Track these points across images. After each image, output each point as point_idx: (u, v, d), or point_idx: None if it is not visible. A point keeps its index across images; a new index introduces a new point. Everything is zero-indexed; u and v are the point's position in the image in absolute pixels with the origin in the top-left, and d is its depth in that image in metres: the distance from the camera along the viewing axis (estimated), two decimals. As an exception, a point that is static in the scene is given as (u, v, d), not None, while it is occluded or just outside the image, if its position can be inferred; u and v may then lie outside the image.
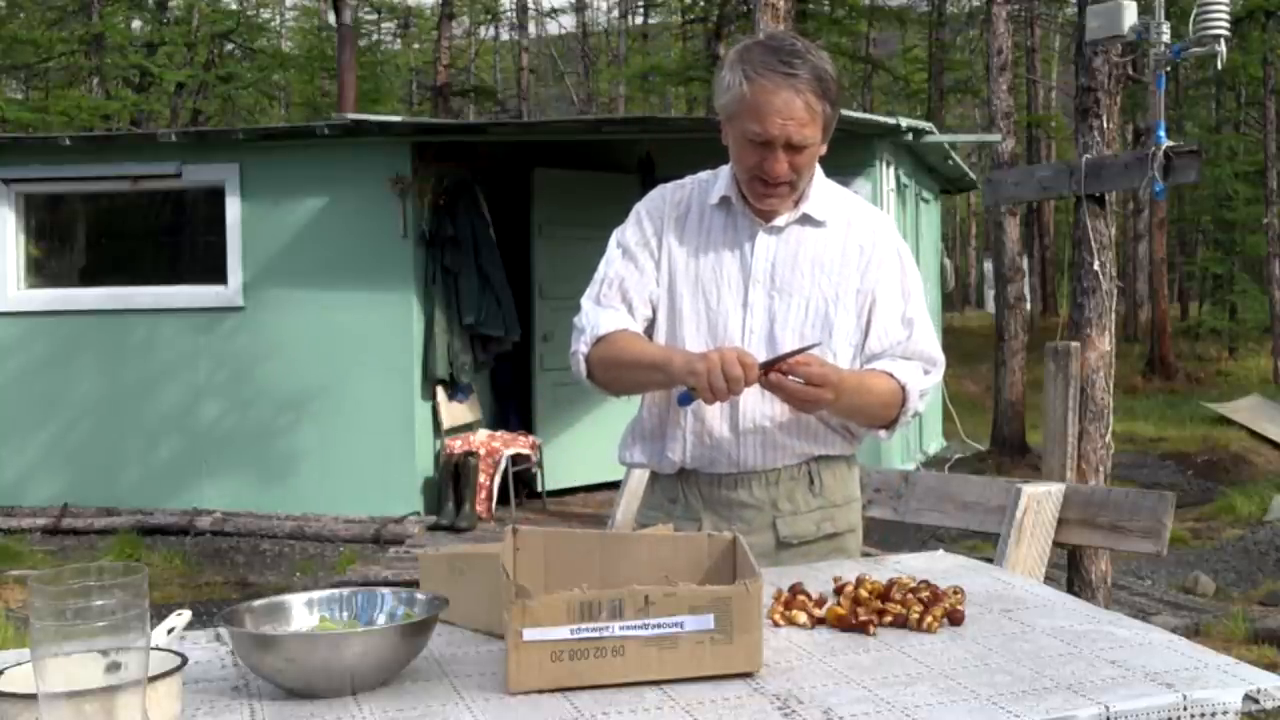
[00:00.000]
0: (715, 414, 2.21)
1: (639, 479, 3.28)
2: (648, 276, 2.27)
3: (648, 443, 2.30)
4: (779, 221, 2.23)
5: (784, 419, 2.21)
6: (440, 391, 8.90)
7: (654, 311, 2.27)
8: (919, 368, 2.25)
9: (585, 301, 2.28)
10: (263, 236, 8.96)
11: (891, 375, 2.21)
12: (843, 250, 2.24)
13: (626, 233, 2.31)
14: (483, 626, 1.78)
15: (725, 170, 2.28)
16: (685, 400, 2.14)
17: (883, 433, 2.29)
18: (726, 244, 2.25)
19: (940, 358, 2.29)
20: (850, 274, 2.23)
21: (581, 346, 2.25)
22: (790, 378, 2.05)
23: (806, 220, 2.24)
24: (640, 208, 2.32)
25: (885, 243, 2.26)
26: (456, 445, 8.70)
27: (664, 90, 30.31)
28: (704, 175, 2.32)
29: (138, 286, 9.29)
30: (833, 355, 2.21)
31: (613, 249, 2.31)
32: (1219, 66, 5.72)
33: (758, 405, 2.19)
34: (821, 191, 2.26)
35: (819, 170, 2.27)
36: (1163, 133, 5.16)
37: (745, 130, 2.13)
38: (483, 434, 8.99)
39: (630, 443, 2.34)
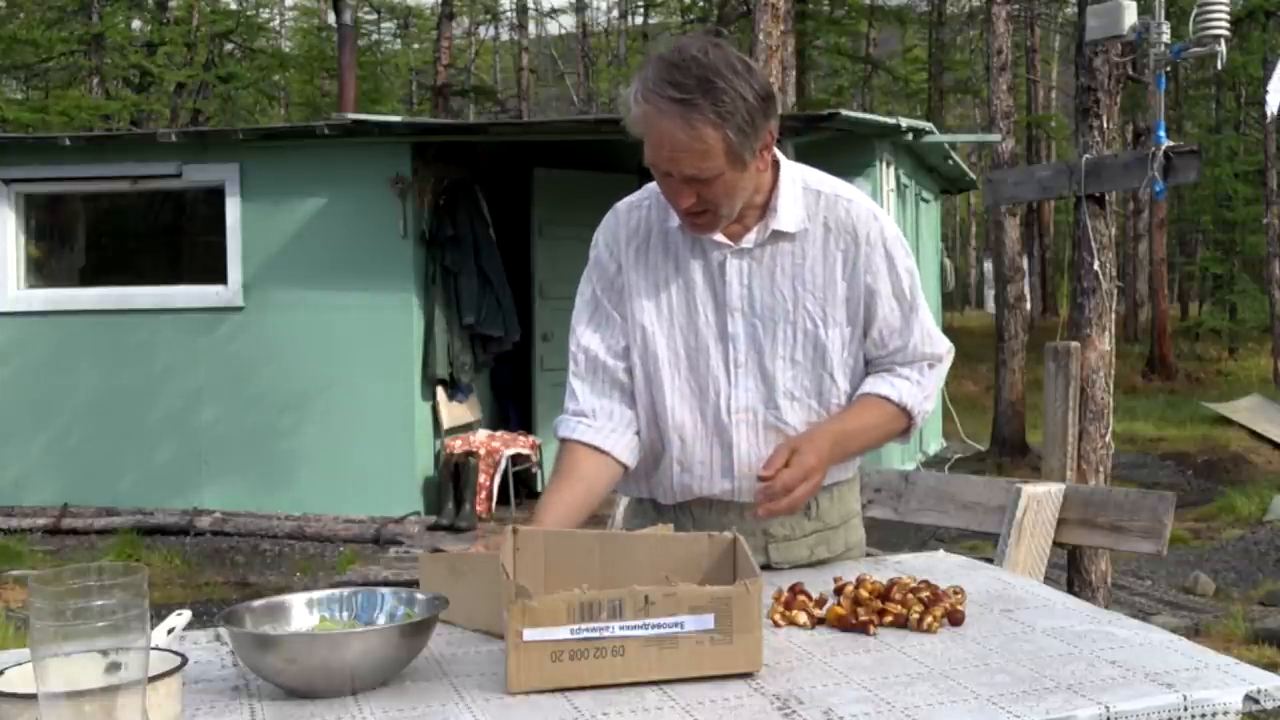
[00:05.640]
0: (705, 463, 2.09)
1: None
2: (617, 329, 2.09)
3: (640, 481, 2.18)
4: (747, 243, 2.03)
5: None
6: (440, 391, 8.90)
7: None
8: (920, 369, 2.12)
9: (569, 375, 2.12)
10: (263, 236, 8.96)
11: (887, 399, 2.09)
12: (823, 260, 2.04)
13: (591, 279, 2.12)
14: (483, 626, 1.78)
15: None
16: None
17: (896, 443, 2.21)
18: (696, 271, 2.05)
19: (943, 349, 2.16)
20: (835, 284, 2.05)
21: (559, 430, 2.10)
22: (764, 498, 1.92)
23: (779, 236, 2.03)
24: (598, 241, 2.13)
25: (870, 241, 2.05)
26: (456, 445, 8.70)
27: (664, 90, 30.27)
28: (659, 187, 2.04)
29: (138, 287, 9.29)
30: (830, 380, 2.07)
31: (579, 307, 2.13)
32: (1219, 66, 5.72)
33: (753, 449, 2.07)
34: (789, 198, 2.03)
35: (787, 168, 2.05)
36: (1163, 133, 5.16)
37: (646, 156, 1.93)
38: (483, 434, 9.00)
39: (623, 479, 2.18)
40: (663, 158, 1.89)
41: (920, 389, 2.12)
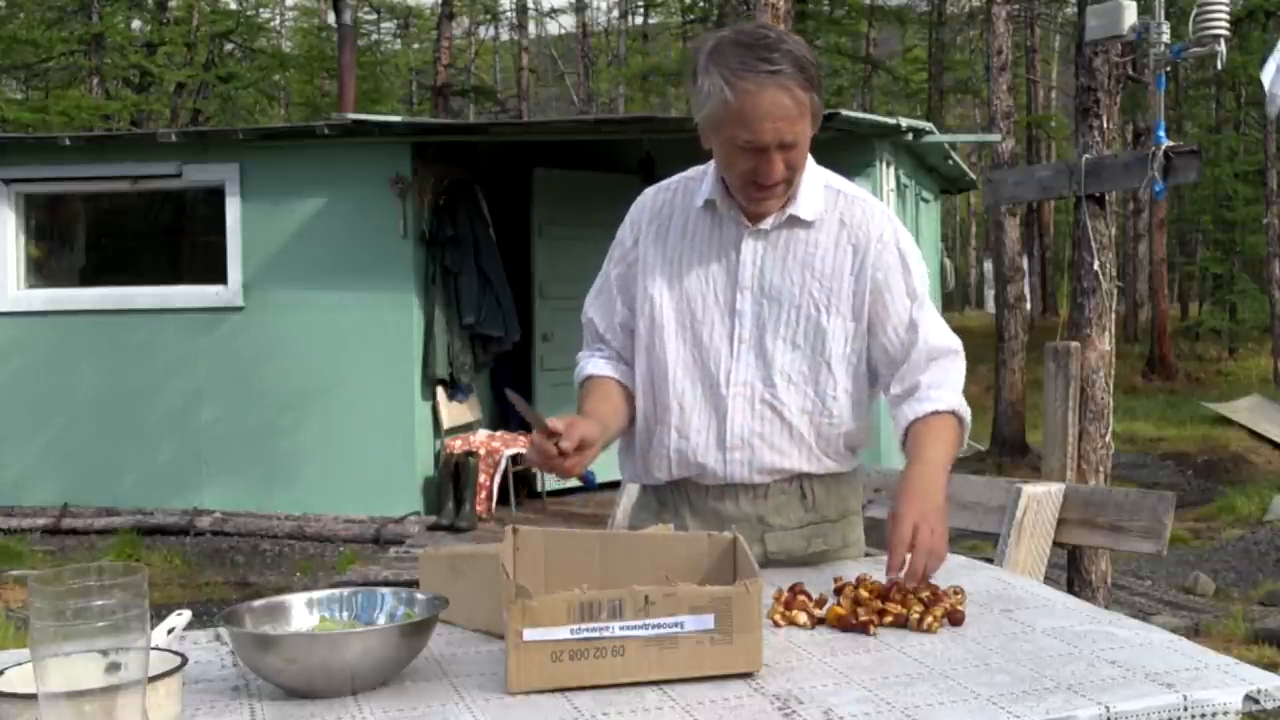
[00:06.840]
0: (702, 431, 2.14)
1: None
2: (617, 309, 2.22)
3: (636, 459, 2.24)
4: (765, 225, 2.11)
5: (774, 438, 2.12)
6: (440, 391, 8.90)
7: (633, 330, 2.21)
8: (946, 370, 2.14)
9: (584, 339, 2.31)
10: (263, 236, 8.96)
11: (937, 413, 2.11)
12: (834, 252, 2.12)
13: (611, 254, 2.26)
14: (483, 626, 1.78)
15: (713, 169, 2.14)
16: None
17: None
18: (711, 250, 2.15)
19: (957, 344, 2.18)
20: (843, 277, 2.11)
21: (584, 370, 2.25)
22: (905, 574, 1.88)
23: (795, 222, 2.12)
24: (626, 218, 2.26)
25: (882, 240, 2.13)
26: (456, 445, 8.70)
27: (664, 90, 30.33)
28: (693, 173, 2.21)
29: (138, 286, 9.30)
30: (827, 369, 2.12)
31: (595, 282, 2.28)
32: (1219, 66, 5.72)
33: (746, 422, 2.12)
34: (811, 189, 2.13)
35: (810, 164, 2.13)
36: (1163, 133, 5.17)
37: (734, 138, 2.00)
38: (483, 434, 8.99)
39: (622, 457, 2.29)
40: (766, 130, 1.97)
41: (953, 391, 2.14)
